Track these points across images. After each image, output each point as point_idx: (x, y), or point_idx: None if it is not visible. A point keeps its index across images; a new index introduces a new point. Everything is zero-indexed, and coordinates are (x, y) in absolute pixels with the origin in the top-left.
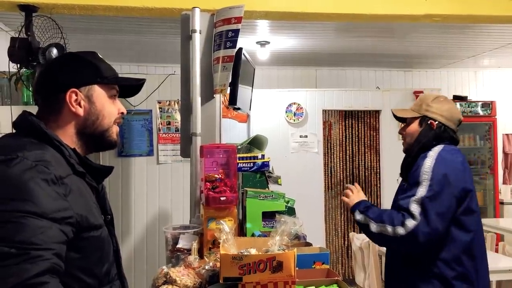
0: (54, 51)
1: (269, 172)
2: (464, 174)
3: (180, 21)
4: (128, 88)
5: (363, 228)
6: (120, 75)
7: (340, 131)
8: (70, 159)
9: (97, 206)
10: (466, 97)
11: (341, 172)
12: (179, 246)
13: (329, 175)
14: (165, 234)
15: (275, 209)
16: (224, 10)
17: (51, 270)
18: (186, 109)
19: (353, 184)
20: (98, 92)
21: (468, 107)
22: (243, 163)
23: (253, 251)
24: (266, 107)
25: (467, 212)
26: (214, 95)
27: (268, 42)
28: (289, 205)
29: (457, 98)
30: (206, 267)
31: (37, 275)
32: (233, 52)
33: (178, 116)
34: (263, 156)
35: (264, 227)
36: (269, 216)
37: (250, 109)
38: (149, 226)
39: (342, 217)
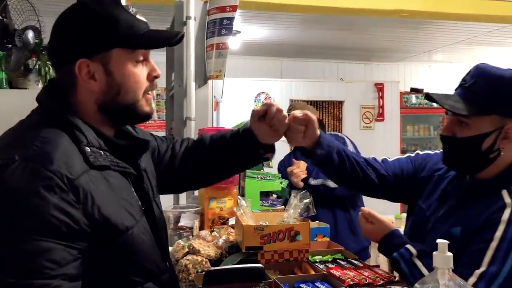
0: (31, 34)
1: None
2: None
3: (174, 8)
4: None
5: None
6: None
7: None
8: (89, 148)
9: (131, 198)
10: (423, 89)
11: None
12: (181, 224)
13: None
14: (166, 214)
15: (272, 189)
16: None
17: None
18: (180, 95)
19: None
20: (116, 58)
21: (424, 99)
22: None
23: (266, 223)
24: (236, 96)
25: None
26: (208, 81)
27: (239, 32)
28: (282, 185)
29: (414, 90)
30: (220, 240)
31: None
32: (228, 39)
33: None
34: None
35: (262, 205)
36: (264, 195)
37: (222, 97)
38: None
39: None
